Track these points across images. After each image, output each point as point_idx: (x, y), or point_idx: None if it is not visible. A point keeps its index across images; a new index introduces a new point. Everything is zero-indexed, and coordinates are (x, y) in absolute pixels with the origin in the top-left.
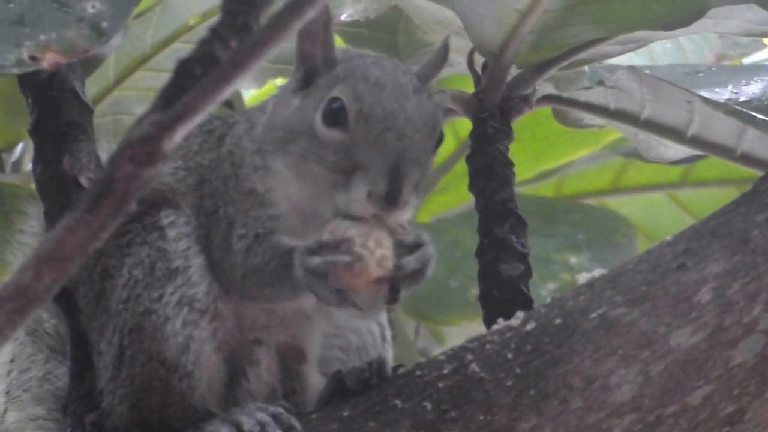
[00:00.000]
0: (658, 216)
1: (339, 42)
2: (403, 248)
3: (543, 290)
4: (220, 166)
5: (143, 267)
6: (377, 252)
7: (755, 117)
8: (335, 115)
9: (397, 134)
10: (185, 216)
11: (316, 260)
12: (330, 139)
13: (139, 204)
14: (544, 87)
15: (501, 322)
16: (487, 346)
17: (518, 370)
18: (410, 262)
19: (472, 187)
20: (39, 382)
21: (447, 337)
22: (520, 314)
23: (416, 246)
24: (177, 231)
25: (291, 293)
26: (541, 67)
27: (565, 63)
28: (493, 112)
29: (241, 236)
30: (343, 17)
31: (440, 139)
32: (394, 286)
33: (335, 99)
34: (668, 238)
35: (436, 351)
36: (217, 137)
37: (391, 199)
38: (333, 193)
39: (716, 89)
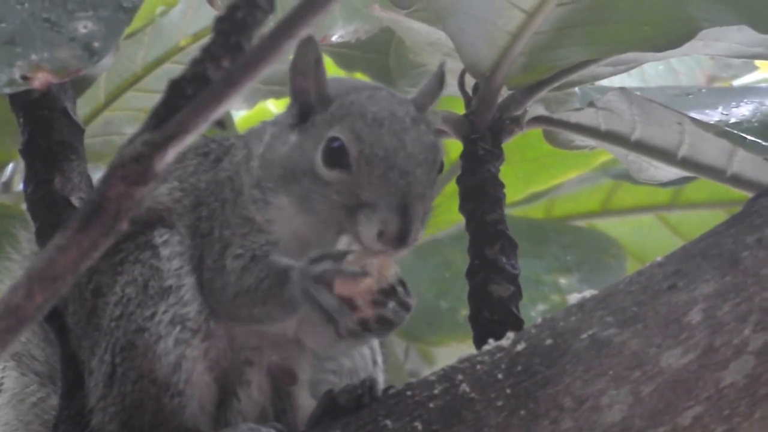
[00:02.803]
0: (647, 238)
1: (330, 63)
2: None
3: (533, 311)
4: (220, 189)
5: (136, 285)
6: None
7: (745, 138)
8: (336, 156)
9: (400, 172)
10: (179, 235)
11: (324, 265)
12: (332, 180)
13: (133, 223)
14: (534, 108)
15: (491, 343)
16: (478, 367)
17: (509, 391)
18: (389, 308)
19: (463, 208)
20: (27, 407)
21: (437, 358)
22: (510, 335)
23: (404, 305)
24: (170, 250)
25: (281, 313)
26: (531, 89)
27: (556, 84)
28: (484, 133)
29: (237, 256)
30: (335, 38)
31: (440, 169)
32: (365, 324)
33: (334, 139)
34: (659, 258)
35: (426, 372)
36: (212, 160)
37: (402, 237)
38: (340, 230)
39: (706, 111)
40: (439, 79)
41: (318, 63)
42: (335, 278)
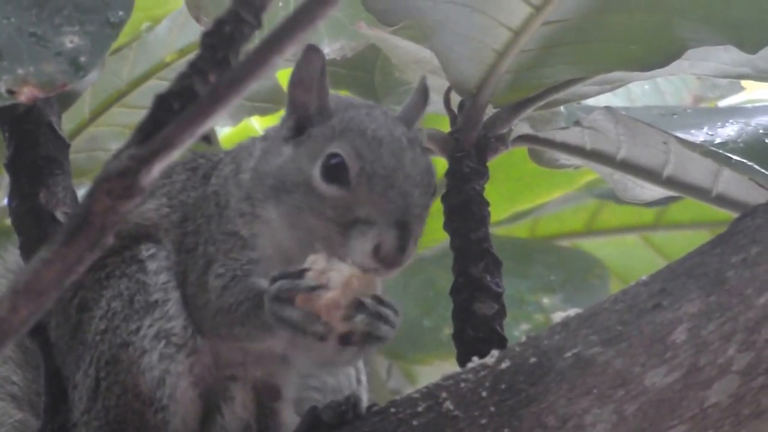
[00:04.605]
0: (631, 258)
1: None
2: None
3: (516, 331)
4: (205, 205)
5: (122, 299)
6: (340, 288)
7: (731, 158)
8: (335, 172)
9: (399, 191)
10: (166, 250)
11: (282, 283)
12: (329, 195)
13: (119, 239)
14: (520, 127)
15: (476, 361)
16: (462, 384)
17: (492, 409)
18: (363, 320)
19: (447, 226)
20: (7, 430)
21: (419, 377)
22: (494, 352)
23: (378, 316)
24: (157, 264)
25: (259, 334)
26: (517, 107)
27: (542, 103)
28: (469, 151)
29: (219, 275)
30: None
31: (434, 193)
32: (346, 338)
33: (334, 155)
34: (644, 277)
35: (408, 391)
36: (201, 175)
37: (399, 253)
38: (329, 246)
39: (692, 131)
40: (423, 94)
41: (323, 74)
42: (294, 294)
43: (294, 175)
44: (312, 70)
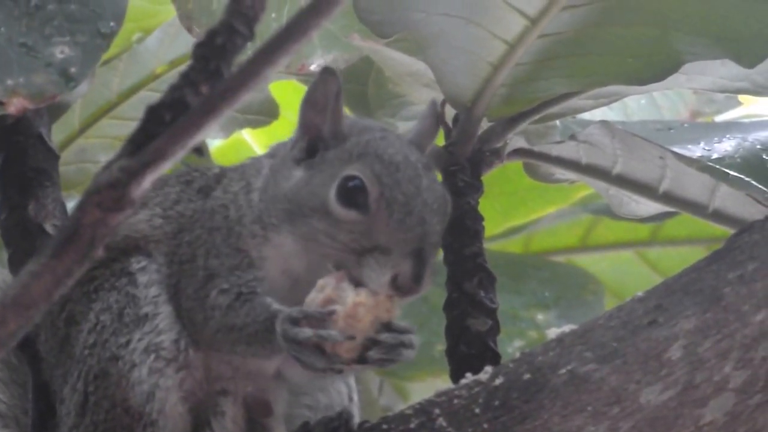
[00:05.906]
0: (626, 274)
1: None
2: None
3: (510, 347)
4: (209, 217)
5: (111, 312)
6: (360, 326)
7: (728, 174)
8: (353, 196)
9: (417, 219)
10: (156, 263)
11: (306, 332)
12: (345, 219)
13: (109, 251)
14: (515, 140)
15: (469, 377)
16: (455, 401)
17: (486, 426)
18: (377, 352)
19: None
20: None
21: (411, 393)
22: (488, 369)
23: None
24: (148, 277)
25: (265, 354)
26: (512, 121)
27: (537, 117)
28: (464, 165)
29: (223, 291)
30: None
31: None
32: (363, 359)
33: (352, 178)
34: (639, 293)
35: (400, 408)
36: (196, 189)
37: (415, 284)
38: (339, 268)
39: (689, 146)
40: (434, 118)
41: (338, 97)
42: (321, 344)
43: (308, 198)
44: (327, 92)
